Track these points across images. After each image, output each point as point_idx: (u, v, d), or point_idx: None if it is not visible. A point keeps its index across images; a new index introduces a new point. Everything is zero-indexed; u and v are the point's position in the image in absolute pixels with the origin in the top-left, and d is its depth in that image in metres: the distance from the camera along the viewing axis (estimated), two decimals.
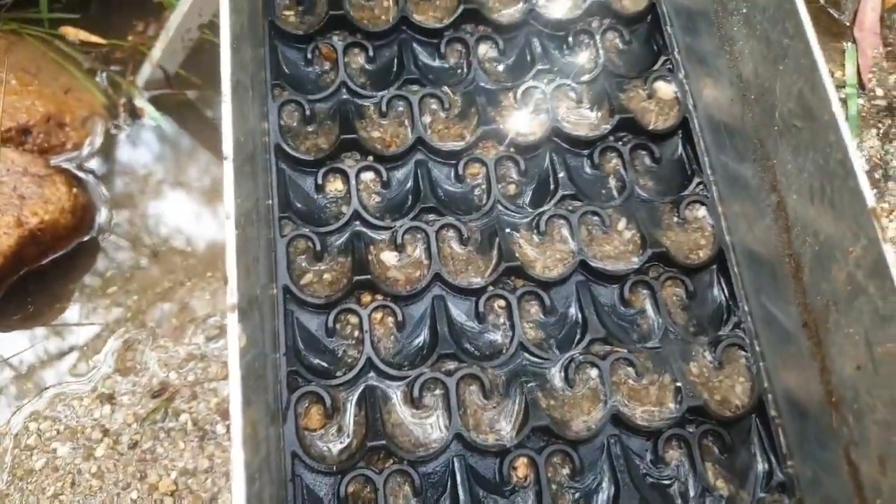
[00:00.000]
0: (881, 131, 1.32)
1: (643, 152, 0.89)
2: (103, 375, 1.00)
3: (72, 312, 1.11)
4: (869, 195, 0.65)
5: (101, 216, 1.20)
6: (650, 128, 0.89)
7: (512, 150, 0.87)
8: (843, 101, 1.37)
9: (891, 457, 0.64)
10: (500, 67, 0.92)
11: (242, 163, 0.70)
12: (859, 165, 0.66)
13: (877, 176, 1.26)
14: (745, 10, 0.80)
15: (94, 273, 1.13)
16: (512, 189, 0.86)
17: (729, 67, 0.83)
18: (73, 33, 1.46)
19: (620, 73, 0.91)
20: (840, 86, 1.39)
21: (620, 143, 0.88)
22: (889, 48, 1.47)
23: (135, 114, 1.34)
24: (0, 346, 1.05)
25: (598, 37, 0.93)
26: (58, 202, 1.12)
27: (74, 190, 1.17)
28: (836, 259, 0.68)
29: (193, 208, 1.23)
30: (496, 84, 0.90)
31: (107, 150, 1.28)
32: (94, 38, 1.45)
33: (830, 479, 0.71)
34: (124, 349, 1.03)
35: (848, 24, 1.50)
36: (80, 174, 1.24)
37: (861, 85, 1.40)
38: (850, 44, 1.45)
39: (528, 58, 0.92)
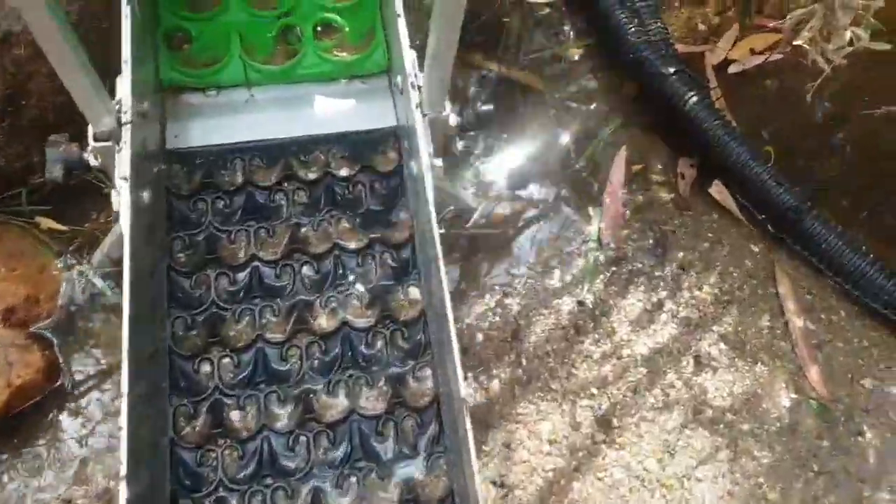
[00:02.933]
0: (606, 277, 1.93)
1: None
2: None
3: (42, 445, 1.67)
4: None
5: (65, 368, 1.76)
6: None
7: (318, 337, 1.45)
8: (585, 255, 1.98)
9: None
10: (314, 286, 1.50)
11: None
12: None
13: (597, 313, 1.86)
14: None
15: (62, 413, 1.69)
16: (316, 363, 1.44)
17: None
18: (45, 223, 2.01)
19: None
20: (585, 241, 2.00)
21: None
22: (625, 209, 2.09)
23: (88, 285, 1.91)
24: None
25: None
26: (36, 364, 1.66)
27: (46, 352, 1.71)
28: None
29: None
30: (310, 296, 1.48)
31: (69, 315, 1.84)
32: (60, 227, 2.01)
33: None
34: None
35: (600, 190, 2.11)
36: (49, 336, 1.79)
37: (600, 241, 2.01)
38: (596, 207, 2.06)
39: (334, 273, 1.50)
